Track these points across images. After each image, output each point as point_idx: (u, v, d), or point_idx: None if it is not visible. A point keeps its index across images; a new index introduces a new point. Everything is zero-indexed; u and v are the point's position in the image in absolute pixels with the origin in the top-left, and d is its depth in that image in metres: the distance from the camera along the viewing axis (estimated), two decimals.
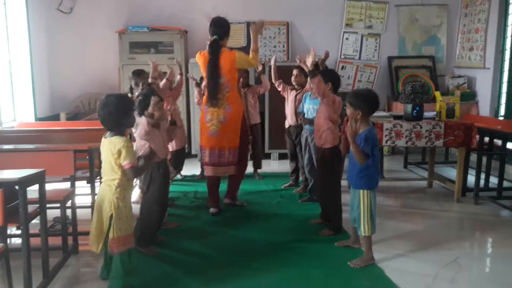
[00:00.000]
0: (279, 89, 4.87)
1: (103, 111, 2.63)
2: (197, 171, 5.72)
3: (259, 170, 5.62)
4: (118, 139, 2.62)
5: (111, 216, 2.64)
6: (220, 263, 3.24)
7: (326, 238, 3.64)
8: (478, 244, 3.84)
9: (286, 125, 4.99)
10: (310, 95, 4.23)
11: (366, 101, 3.06)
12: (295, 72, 4.74)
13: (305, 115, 4.27)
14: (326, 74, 3.67)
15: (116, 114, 2.62)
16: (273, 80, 4.83)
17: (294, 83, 4.75)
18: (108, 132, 2.70)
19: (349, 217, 3.39)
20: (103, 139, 2.71)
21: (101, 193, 2.70)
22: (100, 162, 2.78)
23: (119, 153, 2.59)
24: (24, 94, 5.91)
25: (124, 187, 2.68)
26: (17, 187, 2.61)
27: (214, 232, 3.82)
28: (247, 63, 4.10)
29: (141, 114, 3.25)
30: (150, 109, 3.21)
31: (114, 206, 2.64)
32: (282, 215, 4.25)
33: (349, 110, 3.12)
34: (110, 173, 2.66)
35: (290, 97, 4.81)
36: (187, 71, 6.54)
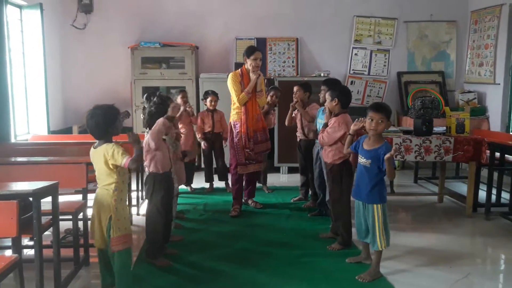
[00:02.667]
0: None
1: (91, 121, 2.79)
2: (206, 184, 5.75)
3: (268, 184, 5.64)
4: (108, 145, 2.78)
5: (110, 217, 2.76)
6: (229, 275, 3.25)
7: (336, 253, 3.63)
8: (490, 260, 3.80)
9: (298, 139, 5.02)
10: (322, 110, 4.23)
11: (390, 111, 3.13)
12: (294, 89, 4.78)
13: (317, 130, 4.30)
14: (333, 90, 3.68)
15: (103, 123, 2.78)
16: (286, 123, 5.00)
17: (294, 99, 4.74)
18: (97, 142, 2.84)
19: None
20: (92, 149, 2.84)
21: (99, 197, 2.83)
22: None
23: (113, 156, 2.73)
24: (38, 107, 6.01)
25: (121, 189, 2.82)
26: (31, 198, 2.65)
27: (223, 245, 3.83)
28: (231, 91, 4.56)
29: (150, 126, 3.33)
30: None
31: (112, 209, 2.76)
32: (291, 228, 4.25)
33: (381, 126, 3.05)
34: (106, 179, 2.79)
35: (299, 113, 4.85)
36: (197, 86, 6.63)
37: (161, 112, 3.37)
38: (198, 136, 5.54)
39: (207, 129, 5.51)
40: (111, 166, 2.75)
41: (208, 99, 5.45)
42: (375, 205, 3.12)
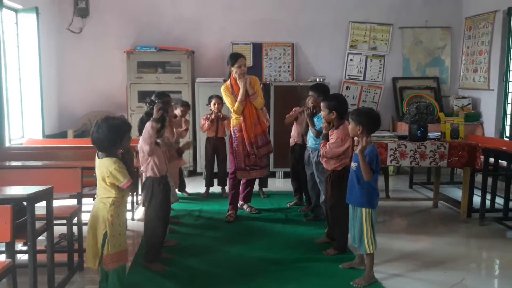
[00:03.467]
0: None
1: (95, 135, 2.70)
2: (202, 189, 5.74)
3: (264, 189, 5.64)
4: (109, 161, 2.69)
5: (105, 233, 2.68)
6: (224, 280, 3.24)
7: (331, 258, 3.63)
8: (484, 265, 3.81)
9: (292, 143, 5.02)
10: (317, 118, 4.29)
11: (367, 117, 3.14)
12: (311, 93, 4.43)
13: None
14: (330, 102, 3.65)
15: (107, 141, 2.69)
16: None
17: (310, 104, 4.37)
18: (100, 153, 2.76)
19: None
20: (96, 158, 2.77)
21: (95, 210, 2.75)
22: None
23: (112, 175, 2.67)
24: (33, 111, 5.98)
25: (118, 205, 2.74)
26: (25, 203, 2.64)
27: (218, 250, 3.82)
28: (227, 104, 4.63)
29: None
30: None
31: (108, 224, 2.68)
32: (287, 233, 4.24)
33: (350, 127, 3.18)
34: (104, 192, 2.73)
35: (300, 118, 4.84)
36: (193, 91, 6.63)
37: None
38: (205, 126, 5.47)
39: (211, 134, 5.51)
40: (108, 184, 2.70)
41: (212, 102, 5.43)
42: (363, 209, 3.15)
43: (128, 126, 2.81)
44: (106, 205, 2.71)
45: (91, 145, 4.64)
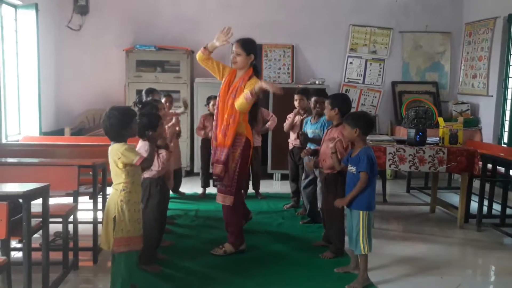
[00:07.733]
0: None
1: (106, 123, 2.76)
2: (198, 189, 5.71)
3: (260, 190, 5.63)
4: (118, 144, 2.75)
5: (115, 217, 2.72)
6: (219, 282, 3.22)
7: (328, 261, 3.62)
8: (480, 271, 3.81)
9: (290, 147, 5.02)
10: (310, 120, 4.37)
11: (362, 120, 3.17)
12: (297, 97, 4.82)
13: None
14: (335, 99, 3.67)
15: (117, 126, 2.74)
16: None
17: (297, 107, 4.82)
18: (112, 142, 2.81)
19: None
20: (109, 148, 2.81)
21: (110, 197, 2.82)
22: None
23: (124, 155, 2.70)
24: (30, 108, 5.95)
25: (129, 190, 2.76)
26: (21, 200, 2.62)
27: None
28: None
29: (141, 135, 3.18)
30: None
31: (117, 208, 2.72)
32: (283, 236, 4.23)
33: (346, 131, 3.19)
34: (115, 178, 2.78)
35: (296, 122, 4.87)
36: (192, 91, 6.61)
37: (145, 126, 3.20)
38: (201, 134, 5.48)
39: (209, 133, 5.49)
40: (120, 165, 2.72)
41: (211, 104, 5.41)
42: (360, 212, 3.14)
43: (134, 111, 2.91)
44: (117, 191, 2.75)
45: (89, 143, 4.67)
